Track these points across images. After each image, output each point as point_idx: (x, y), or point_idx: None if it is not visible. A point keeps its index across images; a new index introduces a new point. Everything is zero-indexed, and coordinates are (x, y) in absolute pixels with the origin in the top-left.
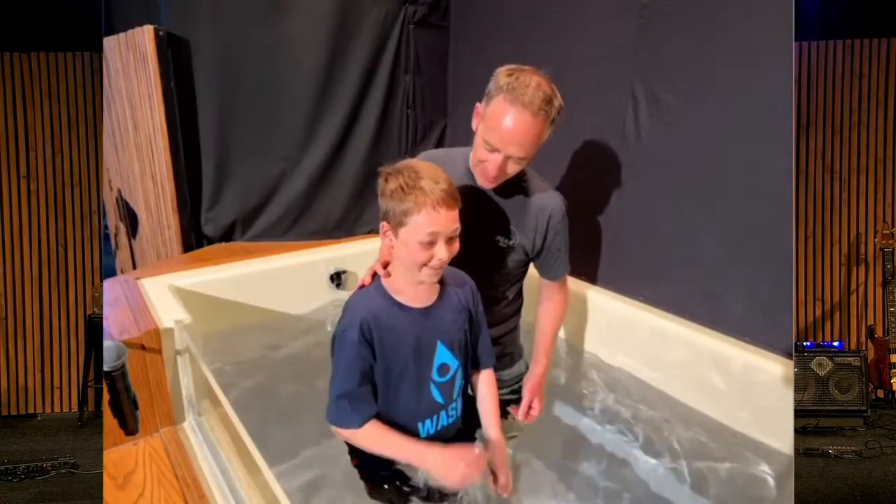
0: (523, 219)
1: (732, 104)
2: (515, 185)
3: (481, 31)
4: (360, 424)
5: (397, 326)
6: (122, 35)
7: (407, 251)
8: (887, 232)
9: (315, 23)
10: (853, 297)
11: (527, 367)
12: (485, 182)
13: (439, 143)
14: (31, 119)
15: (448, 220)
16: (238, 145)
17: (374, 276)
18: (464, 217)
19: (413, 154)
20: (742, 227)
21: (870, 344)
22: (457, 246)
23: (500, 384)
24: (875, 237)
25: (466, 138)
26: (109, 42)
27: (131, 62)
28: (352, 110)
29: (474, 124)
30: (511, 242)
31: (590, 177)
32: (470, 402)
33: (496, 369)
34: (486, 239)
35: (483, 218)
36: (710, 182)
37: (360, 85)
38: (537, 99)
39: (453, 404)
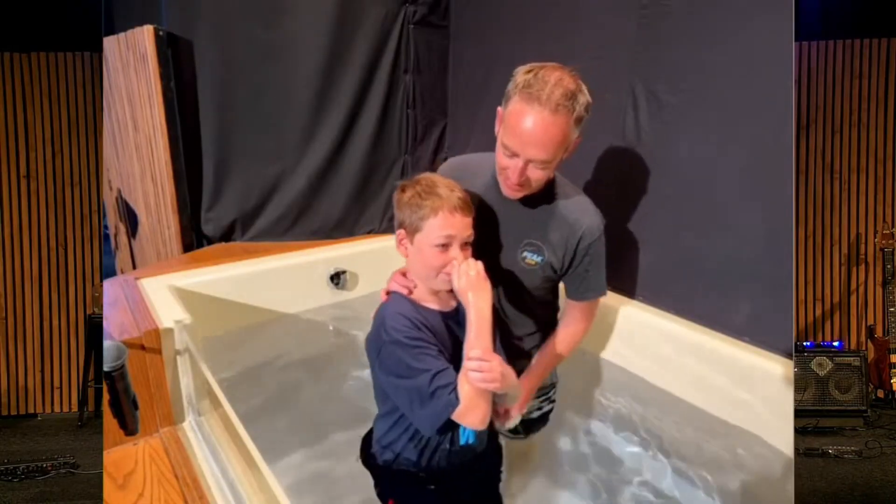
0: (551, 234)
1: (732, 104)
2: (546, 197)
3: (481, 30)
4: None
5: (427, 327)
6: (121, 35)
7: (422, 258)
8: (887, 232)
9: (315, 23)
10: (853, 297)
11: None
12: (508, 192)
13: (439, 143)
14: (31, 119)
15: (463, 225)
16: (238, 145)
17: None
18: (488, 229)
19: (413, 153)
20: (742, 228)
21: (870, 344)
22: (470, 252)
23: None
24: (875, 237)
25: (466, 138)
26: (109, 42)
27: (131, 62)
28: (352, 110)
29: (496, 130)
30: (538, 259)
31: (589, 177)
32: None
33: None
34: (511, 254)
35: (508, 231)
36: (709, 182)
37: (360, 85)
38: (556, 95)
39: None
